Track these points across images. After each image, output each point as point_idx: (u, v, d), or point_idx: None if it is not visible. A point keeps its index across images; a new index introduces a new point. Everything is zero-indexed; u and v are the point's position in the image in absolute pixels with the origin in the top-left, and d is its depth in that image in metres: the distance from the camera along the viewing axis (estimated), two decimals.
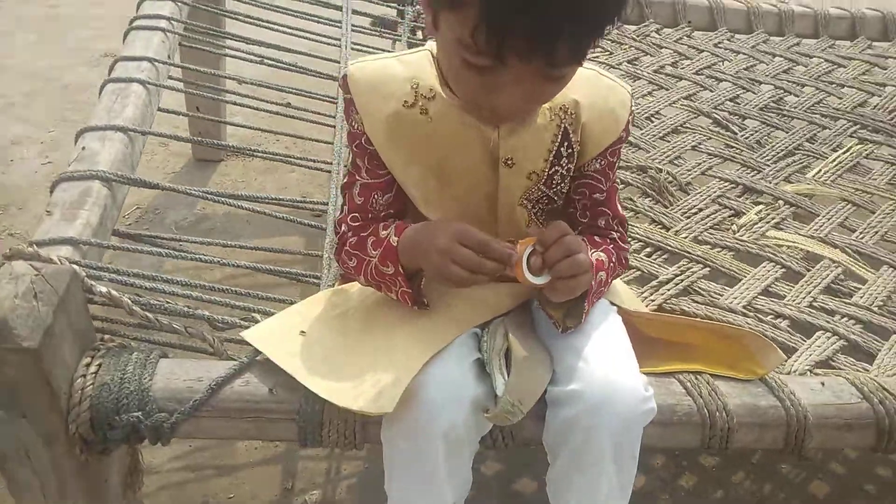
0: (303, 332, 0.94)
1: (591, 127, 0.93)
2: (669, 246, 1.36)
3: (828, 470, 1.53)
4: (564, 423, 0.86)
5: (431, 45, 0.90)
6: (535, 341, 0.93)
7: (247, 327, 0.99)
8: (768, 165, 1.63)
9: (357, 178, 0.94)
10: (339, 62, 1.65)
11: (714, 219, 1.46)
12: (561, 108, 0.91)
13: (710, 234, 1.41)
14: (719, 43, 2.09)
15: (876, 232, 1.45)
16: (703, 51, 2.04)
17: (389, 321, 0.92)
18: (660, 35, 2.07)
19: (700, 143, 1.68)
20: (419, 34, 1.92)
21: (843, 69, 2.03)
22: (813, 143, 1.72)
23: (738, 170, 1.61)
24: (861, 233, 1.45)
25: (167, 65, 1.40)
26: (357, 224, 0.94)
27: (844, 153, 1.69)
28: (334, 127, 1.45)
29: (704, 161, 1.62)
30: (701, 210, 1.48)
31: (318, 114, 1.58)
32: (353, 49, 1.68)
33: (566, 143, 0.92)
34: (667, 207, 1.48)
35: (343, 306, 0.99)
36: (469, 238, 0.82)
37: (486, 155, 0.90)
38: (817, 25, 2.17)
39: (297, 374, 0.88)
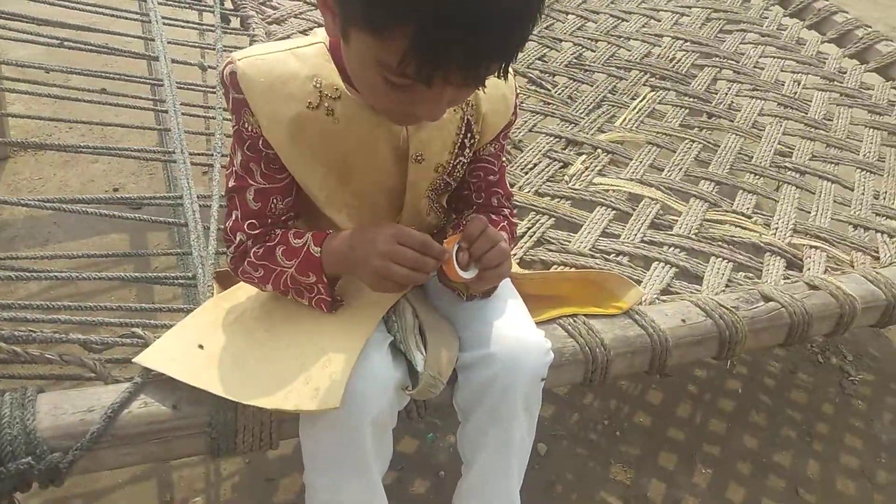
0: (201, 345, 0.89)
1: (489, 118, 0.96)
2: (517, 202, 1.45)
3: (658, 380, 1.76)
4: (480, 385, 0.92)
5: (322, 35, 0.86)
6: (436, 313, 0.97)
7: (128, 345, 0.91)
8: (583, 118, 1.78)
9: (250, 182, 0.88)
10: (152, 39, 1.51)
11: (548, 172, 1.57)
12: (464, 102, 0.93)
13: (548, 186, 1.53)
14: None
15: (680, 169, 1.66)
16: None
17: (299, 314, 0.91)
18: None
19: (522, 102, 1.79)
20: (227, 3, 1.81)
21: (626, 23, 2.25)
22: (615, 95, 1.91)
23: (558, 125, 1.75)
24: (668, 171, 1.65)
25: None
26: (256, 231, 0.89)
27: (641, 101, 1.89)
28: (165, 112, 1.33)
29: (529, 119, 1.74)
30: (536, 165, 1.59)
31: (131, 97, 1.45)
32: (165, 25, 1.54)
33: (468, 134, 0.95)
34: (506, 165, 1.57)
35: (237, 311, 0.95)
36: (408, 238, 0.82)
37: (393, 152, 0.90)
38: None
39: (211, 386, 0.83)
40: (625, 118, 1.82)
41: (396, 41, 0.67)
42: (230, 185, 0.90)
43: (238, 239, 0.89)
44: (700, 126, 1.84)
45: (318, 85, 0.84)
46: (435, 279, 0.97)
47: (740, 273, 1.37)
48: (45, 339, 0.87)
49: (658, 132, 1.78)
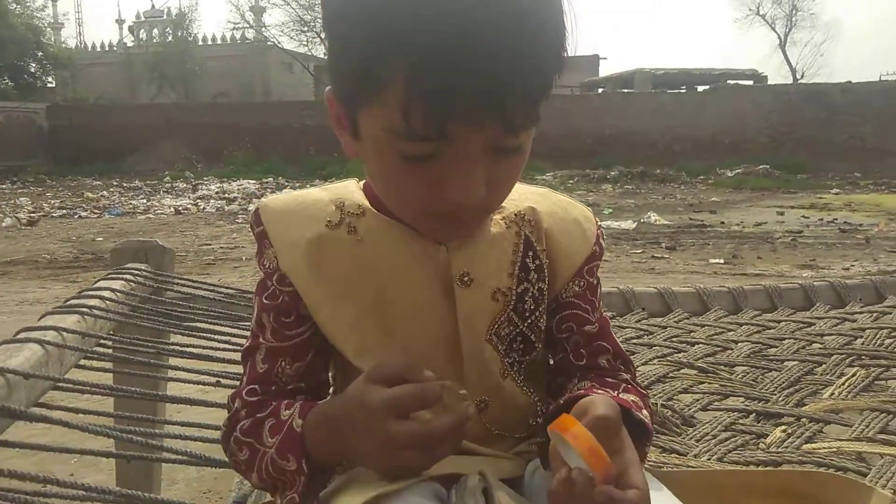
0: None
1: (558, 238, 0.79)
2: (691, 468, 1.08)
3: None
4: None
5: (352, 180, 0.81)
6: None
7: None
8: (774, 394, 1.43)
9: (261, 340, 0.75)
10: None
11: (735, 441, 1.20)
12: (516, 216, 0.78)
13: (738, 453, 1.15)
14: (679, 321, 2.04)
15: None
16: (666, 327, 1.97)
17: None
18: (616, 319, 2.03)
19: (691, 387, 1.49)
20: None
21: (814, 325, 1.96)
22: (813, 375, 1.55)
23: (743, 401, 1.40)
24: None
25: None
26: (254, 399, 0.73)
27: (852, 377, 1.50)
28: None
29: (702, 398, 1.42)
30: (716, 436, 1.23)
31: None
32: None
33: (531, 254, 0.77)
34: (676, 436, 1.22)
35: None
36: (402, 401, 0.62)
37: (436, 278, 0.74)
38: (771, 298, 2.17)
39: None
40: (833, 392, 1.43)
41: (396, 91, 0.59)
42: (246, 346, 0.76)
43: (235, 406, 0.73)
44: None
45: (340, 205, 0.75)
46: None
47: None
48: None
49: (885, 400, 1.36)
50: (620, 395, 0.72)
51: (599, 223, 0.82)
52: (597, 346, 0.79)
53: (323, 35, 0.73)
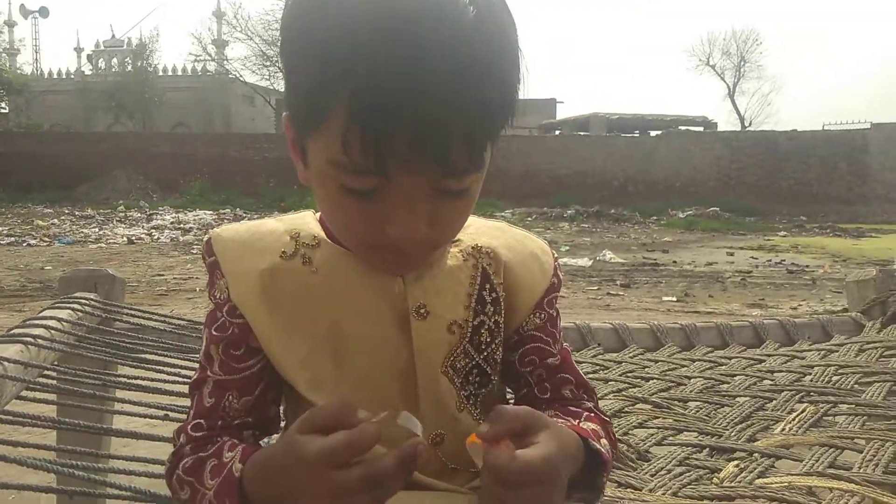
0: None
1: (516, 272, 0.79)
2: (647, 502, 1.08)
3: None
4: None
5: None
6: None
7: None
8: (727, 430, 1.44)
9: (209, 372, 0.73)
10: None
11: (689, 476, 1.21)
12: (474, 248, 0.78)
13: (693, 488, 1.15)
14: (634, 357, 2.06)
15: (877, 464, 1.22)
16: (621, 362, 1.99)
17: None
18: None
19: (646, 422, 1.50)
20: None
21: (764, 362, 2.00)
22: (764, 411, 1.58)
23: (697, 436, 1.42)
24: (861, 467, 1.22)
25: None
26: (199, 434, 0.71)
27: (801, 413, 1.54)
28: None
29: (657, 433, 1.43)
30: (670, 471, 1.24)
31: None
32: None
33: (487, 286, 0.77)
34: (632, 471, 1.23)
35: None
36: (338, 451, 0.58)
37: (392, 310, 0.73)
38: (723, 335, 2.21)
39: None
40: (784, 427, 1.45)
41: (338, 122, 0.59)
42: (193, 379, 0.75)
43: (180, 442, 0.71)
44: (889, 428, 1.43)
45: (295, 236, 0.74)
46: None
47: None
48: None
49: (833, 435, 1.39)
50: (581, 424, 0.72)
51: (556, 255, 0.83)
52: (560, 377, 0.80)
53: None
